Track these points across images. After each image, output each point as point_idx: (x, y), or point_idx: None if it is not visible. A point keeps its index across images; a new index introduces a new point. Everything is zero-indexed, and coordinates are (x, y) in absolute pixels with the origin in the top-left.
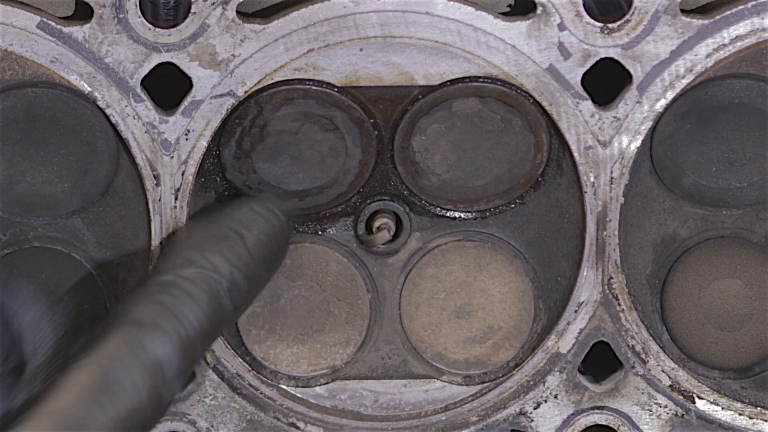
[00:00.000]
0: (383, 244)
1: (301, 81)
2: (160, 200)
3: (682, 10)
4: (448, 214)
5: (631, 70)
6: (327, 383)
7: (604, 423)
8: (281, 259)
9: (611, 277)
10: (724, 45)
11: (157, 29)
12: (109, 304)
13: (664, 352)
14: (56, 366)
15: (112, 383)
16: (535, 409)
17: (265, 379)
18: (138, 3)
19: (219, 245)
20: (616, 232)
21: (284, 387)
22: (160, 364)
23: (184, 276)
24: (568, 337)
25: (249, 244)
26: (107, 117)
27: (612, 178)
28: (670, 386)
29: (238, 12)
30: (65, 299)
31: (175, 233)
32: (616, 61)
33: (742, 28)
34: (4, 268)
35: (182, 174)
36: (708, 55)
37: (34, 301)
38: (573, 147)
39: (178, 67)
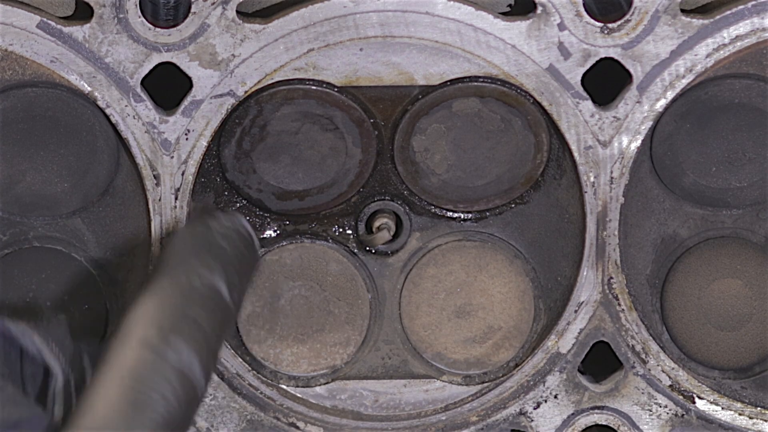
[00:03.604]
0: (383, 244)
1: (301, 81)
2: (160, 200)
3: (682, 10)
4: (448, 214)
5: (631, 70)
6: (327, 383)
7: (604, 423)
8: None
9: (611, 277)
10: (724, 45)
11: (157, 29)
12: (109, 304)
13: (664, 352)
14: (82, 379)
15: (142, 400)
16: (535, 409)
17: (265, 379)
18: (138, 3)
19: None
20: (616, 232)
21: (284, 387)
22: (184, 371)
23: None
24: (568, 337)
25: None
26: (107, 117)
27: (612, 178)
28: (670, 386)
29: (238, 12)
30: (65, 299)
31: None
32: (616, 61)
33: (742, 28)
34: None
35: (182, 174)
36: (708, 55)
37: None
38: (573, 147)
39: (178, 67)
